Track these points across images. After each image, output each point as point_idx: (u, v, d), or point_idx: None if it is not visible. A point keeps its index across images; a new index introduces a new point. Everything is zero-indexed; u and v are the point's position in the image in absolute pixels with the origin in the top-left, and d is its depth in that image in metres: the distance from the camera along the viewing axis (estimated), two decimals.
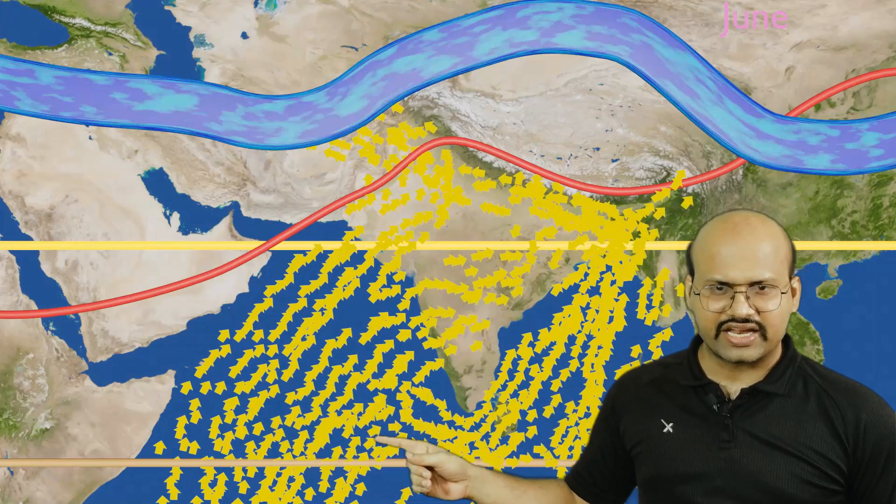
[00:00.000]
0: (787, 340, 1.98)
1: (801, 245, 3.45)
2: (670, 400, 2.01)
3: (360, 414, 3.91)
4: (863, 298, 3.87)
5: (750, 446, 1.91)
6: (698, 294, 1.91)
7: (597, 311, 3.88)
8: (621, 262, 3.88)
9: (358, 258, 3.89)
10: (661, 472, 1.98)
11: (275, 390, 3.91)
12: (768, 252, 1.87)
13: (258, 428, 3.91)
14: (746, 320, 1.87)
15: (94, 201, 3.91)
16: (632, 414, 2.06)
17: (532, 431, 3.92)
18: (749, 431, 1.91)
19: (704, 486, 1.92)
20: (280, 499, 3.92)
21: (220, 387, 3.91)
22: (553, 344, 3.90)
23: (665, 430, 1.98)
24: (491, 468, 2.20)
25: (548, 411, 3.92)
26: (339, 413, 3.91)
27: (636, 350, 3.88)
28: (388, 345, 3.90)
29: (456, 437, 3.92)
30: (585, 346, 3.89)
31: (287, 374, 3.91)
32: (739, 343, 1.87)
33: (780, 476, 1.88)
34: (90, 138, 3.90)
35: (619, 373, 3.88)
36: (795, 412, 1.92)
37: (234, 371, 3.90)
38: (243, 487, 3.92)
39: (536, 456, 3.92)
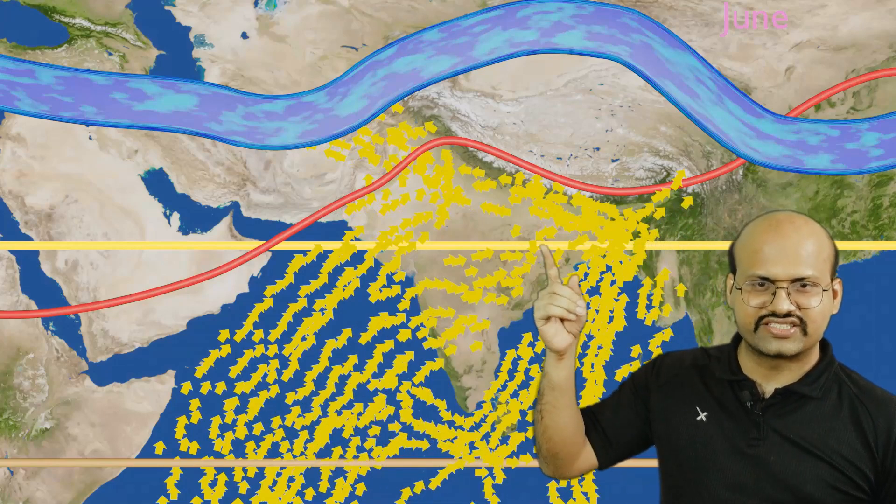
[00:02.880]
0: (825, 346, 1.98)
1: None
2: (707, 390, 2.01)
3: (360, 414, 3.91)
4: (863, 298, 3.87)
5: (778, 446, 1.91)
6: (740, 289, 1.92)
7: (597, 311, 3.88)
8: (621, 262, 3.88)
9: (358, 258, 3.89)
10: (687, 459, 1.99)
11: (275, 390, 3.91)
12: (811, 250, 1.88)
13: (258, 428, 3.91)
14: (787, 315, 1.87)
15: (94, 201, 3.91)
16: (667, 392, 2.06)
17: (532, 431, 3.91)
18: (779, 431, 1.92)
19: (729, 480, 1.93)
20: (280, 499, 3.92)
21: (220, 387, 3.91)
22: None
23: (699, 418, 1.99)
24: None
25: None
26: (339, 413, 3.91)
27: (636, 350, 3.88)
28: (388, 345, 3.90)
29: (456, 437, 3.92)
30: (585, 346, 3.89)
31: (287, 374, 3.91)
32: (779, 334, 1.88)
33: (805, 478, 1.89)
34: (90, 138, 3.90)
35: (619, 373, 3.88)
36: (827, 417, 1.92)
37: (234, 371, 3.90)
38: (243, 487, 3.92)
39: (536, 456, 3.92)
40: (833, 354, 1.99)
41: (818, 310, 1.88)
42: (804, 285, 1.88)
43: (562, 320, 1.97)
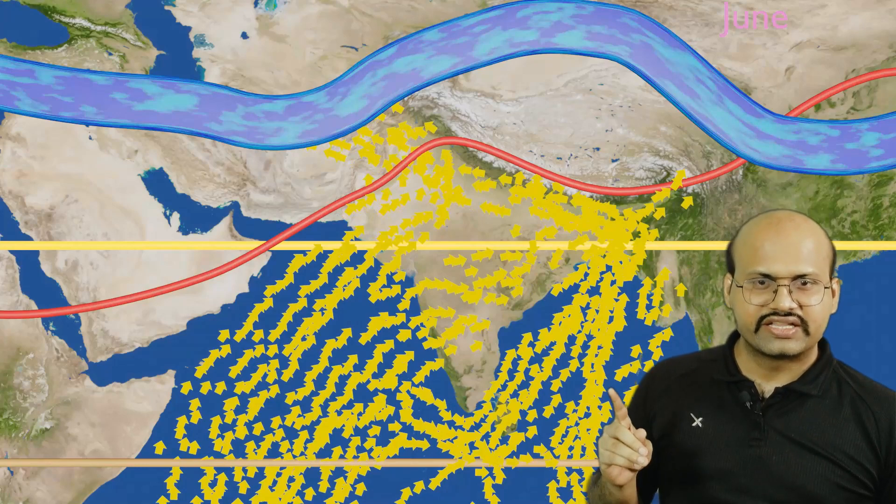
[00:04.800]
0: (823, 344, 1.98)
1: None
2: (702, 394, 2.00)
3: (360, 414, 3.91)
4: (863, 298, 3.87)
5: (780, 446, 1.90)
6: (740, 287, 1.91)
7: (597, 311, 3.88)
8: (621, 262, 3.88)
9: (358, 258, 3.89)
10: (686, 466, 1.97)
11: (275, 390, 3.91)
12: (811, 248, 1.88)
13: (258, 428, 3.91)
14: (789, 314, 1.87)
15: (94, 201, 3.91)
16: (662, 406, 2.05)
17: (532, 431, 3.92)
18: (780, 431, 1.91)
19: (731, 483, 1.92)
20: (280, 499, 3.92)
21: (220, 387, 3.91)
22: (553, 344, 3.90)
23: (694, 425, 1.98)
24: None
25: (548, 411, 3.92)
26: (339, 413, 3.91)
27: (636, 350, 3.88)
28: (388, 345, 3.90)
29: (456, 437, 3.92)
30: (585, 346, 3.89)
31: (287, 374, 3.91)
32: (781, 334, 1.87)
33: (808, 477, 1.88)
34: (90, 138, 3.90)
35: (619, 373, 3.88)
36: (829, 415, 1.91)
37: (234, 371, 3.90)
38: (243, 487, 3.92)
39: (536, 456, 3.92)
40: (831, 352, 1.98)
41: (819, 308, 1.88)
42: (805, 283, 1.87)
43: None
